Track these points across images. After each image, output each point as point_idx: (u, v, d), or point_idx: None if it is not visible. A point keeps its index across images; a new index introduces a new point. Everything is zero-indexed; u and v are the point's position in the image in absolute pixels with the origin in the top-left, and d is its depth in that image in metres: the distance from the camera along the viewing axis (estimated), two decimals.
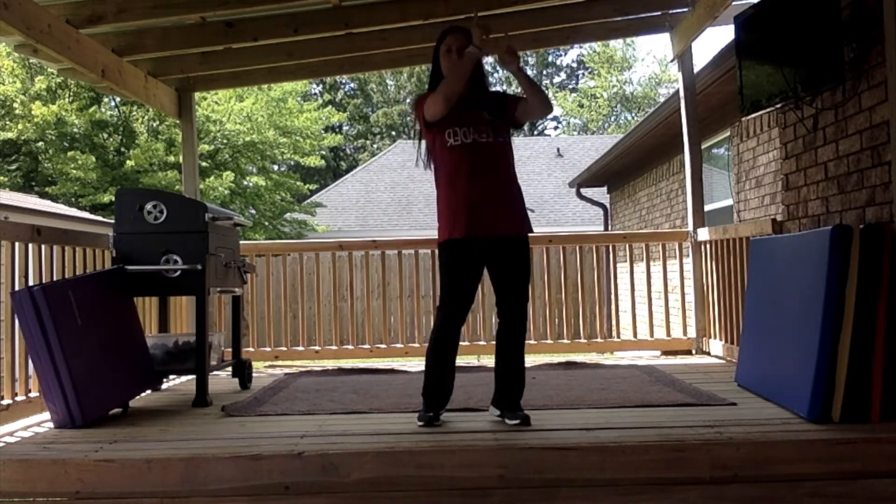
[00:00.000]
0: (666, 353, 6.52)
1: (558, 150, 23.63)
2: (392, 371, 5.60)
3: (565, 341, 6.47)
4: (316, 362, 6.61)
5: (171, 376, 5.12)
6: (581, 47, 36.77)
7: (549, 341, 6.52)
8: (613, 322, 8.62)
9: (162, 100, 6.18)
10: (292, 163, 21.10)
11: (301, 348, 6.43)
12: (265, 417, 3.89)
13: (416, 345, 6.39)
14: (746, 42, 4.60)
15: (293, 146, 18.27)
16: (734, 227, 5.55)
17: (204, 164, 16.76)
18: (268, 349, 6.41)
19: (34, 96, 16.84)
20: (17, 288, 3.81)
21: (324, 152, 21.82)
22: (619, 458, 3.01)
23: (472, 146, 3.55)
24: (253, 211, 17.68)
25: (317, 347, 6.52)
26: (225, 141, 17.30)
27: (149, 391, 4.68)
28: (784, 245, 4.06)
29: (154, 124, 17.51)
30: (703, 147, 7.14)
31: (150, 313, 5.27)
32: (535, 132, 37.24)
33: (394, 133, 34.65)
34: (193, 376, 4.35)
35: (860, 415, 3.25)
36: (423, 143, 3.75)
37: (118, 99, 16.82)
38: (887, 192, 3.55)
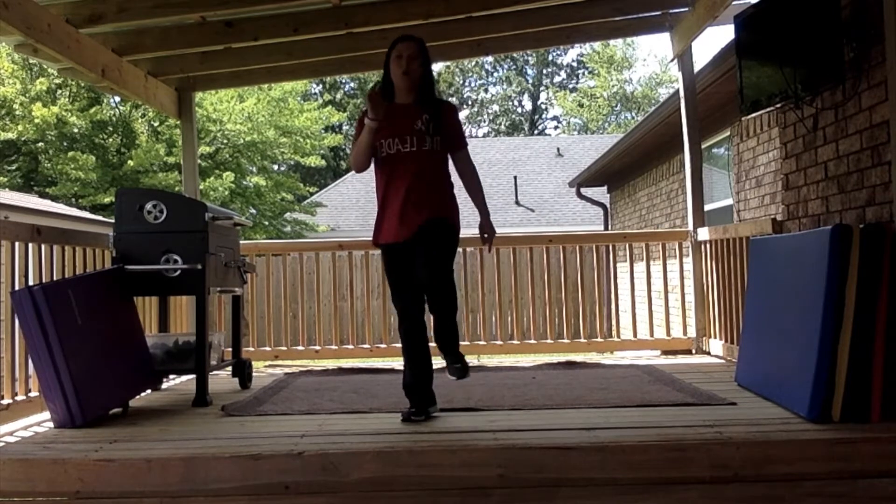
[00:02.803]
0: (666, 352, 6.52)
1: (558, 149, 23.63)
2: (392, 371, 5.59)
3: (565, 341, 6.47)
4: (316, 362, 6.61)
5: (171, 376, 5.12)
6: (581, 47, 36.81)
7: (549, 341, 6.52)
8: (613, 322, 8.61)
9: (162, 99, 6.18)
10: (292, 163, 21.10)
11: (301, 348, 6.43)
12: (265, 417, 3.89)
13: None
14: (746, 42, 4.60)
15: (293, 146, 18.28)
16: (734, 227, 5.55)
17: (204, 164, 16.76)
18: (268, 349, 6.41)
19: (34, 97, 16.84)
20: (17, 287, 3.81)
21: (324, 152, 21.81)
22: (619, 457, 3.01)
23: (397, 156, 3.67)
24: (253, 211, 17.68)
25: (317, 347, 6.52)
26: (225, 141, 17.30)
27: (149, 391, 4.68)
28: (784, 245, 4.06)
29: (154, 125, 17.51)
30: (703, 147, 7.14)
31: (150, 313, 5.27)
32: (536, 132, 37.26)
33: None
34: (193, 376, 4.36)
35: (860, 415, 3.25)
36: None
37: (118, 99, 16.83)
38: (887, 192, 3.54)
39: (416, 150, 3.65)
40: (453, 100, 36.44)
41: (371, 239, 3.93)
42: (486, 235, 3.89)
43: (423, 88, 3.77)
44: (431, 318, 3.70)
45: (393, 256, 3.76)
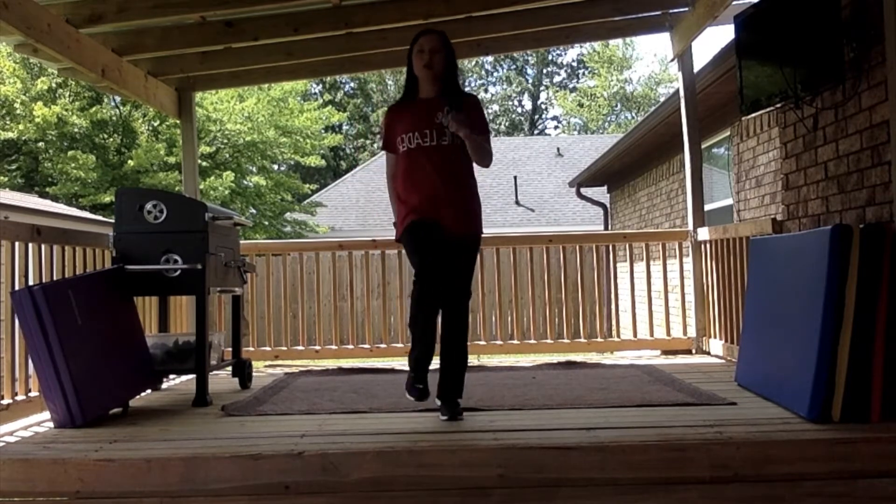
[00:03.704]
0: (666, 352, 6.52)
1: (558, 149, 23.63)
2: (392, 370, 5.59)
3: (565, 341, 6.47)
4: (316, 362, 6.61)
5: (171, 376, 5.12)
6: (581, 47, 36.80)
7: (549, 341, 6.52)
8: (613, 321, 8.62)
9: (162, 99, 6.18)
10: (292, 162, 21.10)
11: (301, 348, 6.43)
12: (265, 417, 3.89)
13: None
14: (746, 42, 4.60)
15: (293, 146, 18.28)
16: (734, 227, 5.55)
17: (204, 163, 16.76)
18: (268, 349, 6.41)
19: (35, 97, 16.84)
20: (17, 288, 3.81)
21: (324, 152, 21.81)
22: (619, 457, 3.01)
23: (417, 150, 3.66)
24: (253, 211, 17.69)
25: (317, 347, 6.52)
26: (225, 141, 17.30)
27: (149, 391, 4.68)
28: (784, 245, 4.06)
29: (155, 124, 17.51)
30: (703, 147, 7.15)
31: (150, 313, 5.27)
32: (536, 132, 37.26)
33: None
34: (193, 376, 4.35)
35: (860, 415, 3.25)
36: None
37: (118, 98, 16.83)
38: (887, 192, 3.54)
39: (436, 144, 3.64)
40: None
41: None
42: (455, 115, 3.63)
43: (446, 82, 3.75)
44: (441, 345, 3.76)
45: (418, 232, 3.65)
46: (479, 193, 3.90)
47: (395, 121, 3.80)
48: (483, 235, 3.91)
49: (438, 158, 3.65)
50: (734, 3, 5.14)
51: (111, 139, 17.73)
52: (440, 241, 3.64)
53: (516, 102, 39.65)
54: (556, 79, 39.80)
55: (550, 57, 38.78)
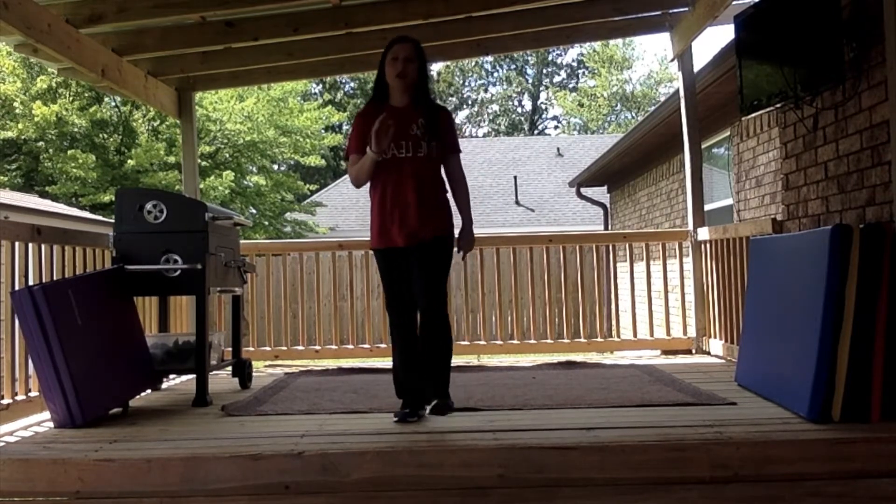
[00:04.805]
0: (666, 352, 6.52)
1: (558, 149, 23.62)
2: (392, 371, 5.58)
3: (565, 341, 6.47)
4: (316, 362, 6.60)
5: (171, 376, 5.12)
6: (581, 47, 36.78)
7: (549, 341, 6.52)
8: (613, 321, 8.61)
9: (162, 99, 6.18)
10: (292, 162, 21.10)
11: (301, 348, 6.44)
12: (265, 417, 3.89)
13: None
14: (746, 42, 4.60)
15: (293, 146, 18.28)
16: (734, 227, 5.55)
17: (204, 163, 16.76)
18: (268, 349, 6.41)
19: (35, 96, 16.84)
20: (17, 288, 3.81)
21: (324, 152, 21.81)
22: (619, 457, 3.01)
23: (392, 161, 3.64)
24: (253, 210, 17.69)
25: (317, 347, 6.52)
26: (225, 140, 17.31)
27: (149, 391, 4.68)
28: (784, 245, 4.06)
29: (155, 124, 17.52)
30: (703, 147, 7.14)
31: (150, 313, 5.26)
32: (536, 132, 37.27)
33: None
34: (193, 376, 4.36)
35: (860, 414, 3.25)
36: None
37: (118, 98, 16.84)
38: (887, 192, 3.55)
39: (412, 155, 3.63)
40: (453, 100, 36.47)
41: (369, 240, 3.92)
42: (461, 242, 3.86)
43: (418, 91, 3.73)
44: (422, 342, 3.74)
45: (388, 261, 3.73)
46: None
47: (369, 128, 3.62)
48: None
49: (414, 170, 3.64)
50: (734, 3, 5.14)
51: (111, 139, 17.73)
52: (405, 269, 3.68)
53: (516, 102, 39.65)
54: (556, 79, 39.78)
55: (550, 57, 38.76)
